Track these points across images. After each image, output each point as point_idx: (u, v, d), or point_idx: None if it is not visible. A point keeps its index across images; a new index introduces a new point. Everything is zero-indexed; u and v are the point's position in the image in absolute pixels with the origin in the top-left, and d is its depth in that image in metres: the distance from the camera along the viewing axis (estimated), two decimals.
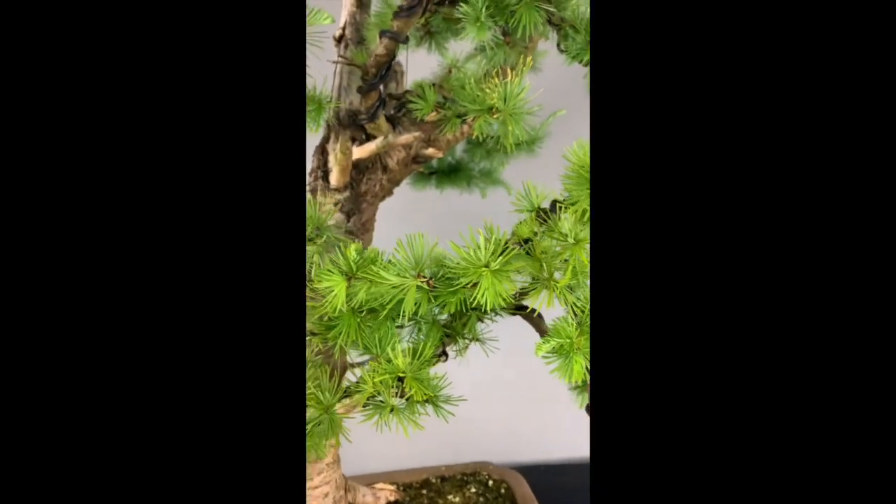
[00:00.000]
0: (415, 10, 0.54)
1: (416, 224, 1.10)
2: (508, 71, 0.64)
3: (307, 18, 0.50)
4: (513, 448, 1.14)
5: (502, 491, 0.89)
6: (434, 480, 0.91)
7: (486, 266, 0.34)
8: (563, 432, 1.10)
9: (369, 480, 0.86)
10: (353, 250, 0.39)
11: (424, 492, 0.88)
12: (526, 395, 1.10)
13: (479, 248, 0.35)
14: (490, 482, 0.91)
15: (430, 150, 0.72)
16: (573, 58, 0.50)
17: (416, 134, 0.60)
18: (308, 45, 0.49)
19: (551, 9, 0.52)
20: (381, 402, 0.39)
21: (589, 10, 0.54)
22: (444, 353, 0.47)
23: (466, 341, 0.48)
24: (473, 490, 0.88)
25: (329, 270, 0.39)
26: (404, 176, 0.75)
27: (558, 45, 0.54)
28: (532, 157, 0.85)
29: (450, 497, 0.86)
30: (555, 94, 0.72)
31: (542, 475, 1.15)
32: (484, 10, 0.45)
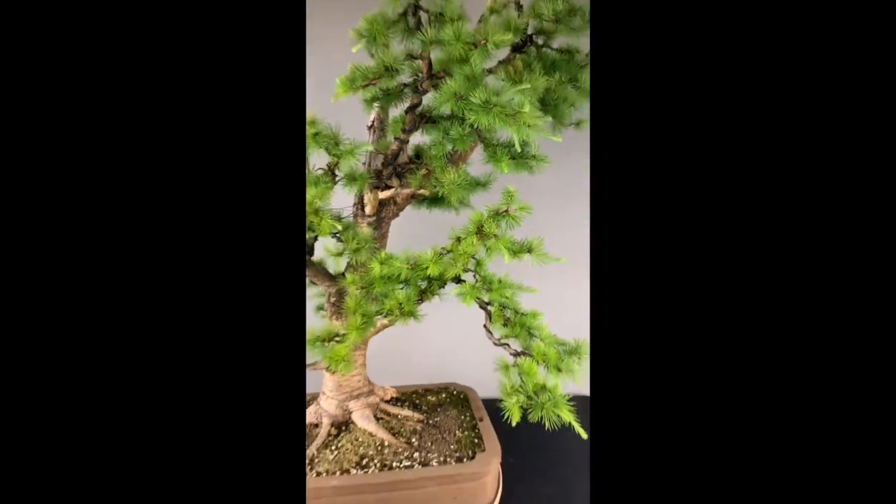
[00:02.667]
0: (412, 131, 1.07)
1: (416, 228, 1.63)
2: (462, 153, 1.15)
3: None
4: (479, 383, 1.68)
5: (462, 398, 1.43)
6: (420, 391, 1.46)
7: (425, 265, 0.88)
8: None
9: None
10: (382, 257, 0.92)
11: (413, 395, 1.43)
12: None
13: (426, 257, 0.88)
14: (455, 392, 1.45)
15: (423, 191, 1.25)
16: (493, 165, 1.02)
17: (411, 190, 1.13)
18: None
19: (483, 134, 1.04)
20: (390, 314, 0.93)
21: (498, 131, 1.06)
22: (422, 297, 1.01)
23: (430, 297, 1.01)
24: (444, 395, 1.43)
25: (377, 262, 0.93)
26: (407, 205, 1.28)
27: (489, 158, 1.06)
28: (487, 191, 1.38)
29: (429, 398, 1.41)
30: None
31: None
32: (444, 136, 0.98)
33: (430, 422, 1.27)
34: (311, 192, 0.94)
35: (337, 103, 0.93)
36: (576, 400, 0.87)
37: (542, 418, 0.81)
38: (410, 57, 0.95)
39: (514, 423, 0.82)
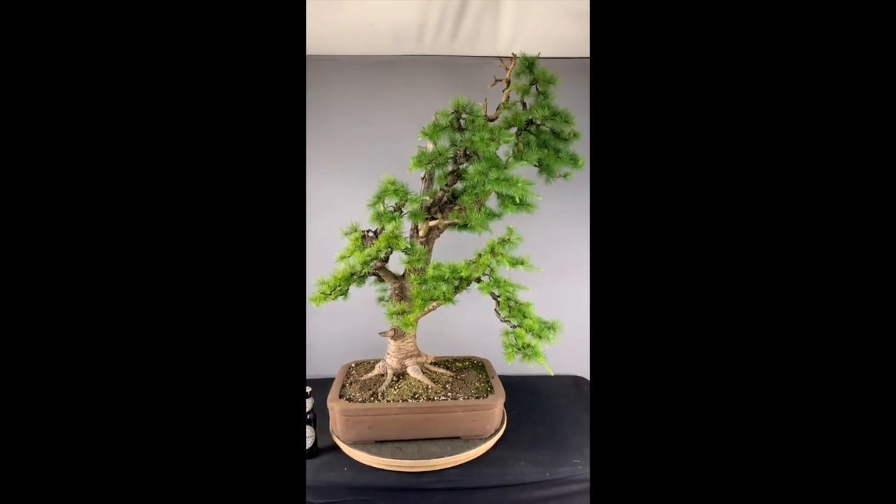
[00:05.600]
0: (452, 185, 1.68)
1: (451, 244, 2.25)
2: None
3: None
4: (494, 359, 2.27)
5: (480, 365, 2.02)
6: (451, 359, 2.06)
7: (460, 271, 1.48)
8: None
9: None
10: (434, 265, 1.53)
11: (446, 361, 2.03)
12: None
13: (460, 265, 1.48)
14: (476, 361, 2.05)
15: (457, 221, 1.87)
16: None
17: (449, 221, 1.75)
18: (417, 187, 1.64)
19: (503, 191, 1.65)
20: (438, 299, 1.53)
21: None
22: (457, 290, 1.61)
23: (462, 290, 1.61)
24: (467, 363, 2.03)
25: (431, 268, 1.53)
26: (446, 230, 1.90)
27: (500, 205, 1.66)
28: (499, 220, 1.99)
29: (457, 364, 2.01)
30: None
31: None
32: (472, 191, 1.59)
33: (458, 377, 1.88)
34: (391, 224, 1.56)
35: (400, 165, 1.57)
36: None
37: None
38: (454, 144, 1.57)
39: (510, 363, 1.42)
